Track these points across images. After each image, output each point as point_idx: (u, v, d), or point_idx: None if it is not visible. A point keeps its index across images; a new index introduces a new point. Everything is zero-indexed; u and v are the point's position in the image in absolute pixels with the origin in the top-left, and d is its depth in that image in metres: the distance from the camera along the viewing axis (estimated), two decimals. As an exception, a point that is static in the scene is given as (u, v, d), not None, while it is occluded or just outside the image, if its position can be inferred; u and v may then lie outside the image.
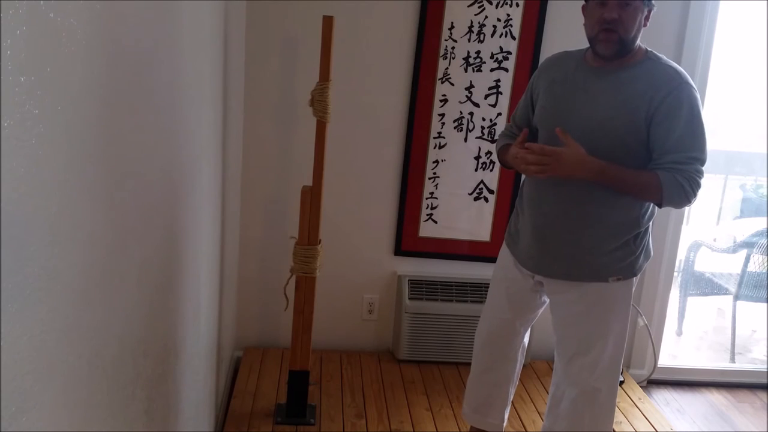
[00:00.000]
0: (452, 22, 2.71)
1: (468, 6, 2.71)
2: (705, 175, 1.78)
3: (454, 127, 2.82)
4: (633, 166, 1.79)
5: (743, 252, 3.76)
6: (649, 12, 1.78)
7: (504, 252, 2.13)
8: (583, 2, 1.84)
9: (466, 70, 2.77)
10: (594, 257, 1.88)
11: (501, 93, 2.80)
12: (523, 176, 2.07)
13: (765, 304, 3.78)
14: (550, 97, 1.91)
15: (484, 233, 2.95)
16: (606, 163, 1.76)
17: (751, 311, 4.01)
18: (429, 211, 2.92)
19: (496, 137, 2.84)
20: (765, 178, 4.72)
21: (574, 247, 1.88)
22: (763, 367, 3.36)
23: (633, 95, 1.77)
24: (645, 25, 1.79)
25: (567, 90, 1.87)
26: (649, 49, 1.85)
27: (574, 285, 1.92)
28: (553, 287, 1.98)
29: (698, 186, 1.76)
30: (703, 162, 1.77)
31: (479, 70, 2.77)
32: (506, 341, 2.16)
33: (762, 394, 3.21)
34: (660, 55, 1.85)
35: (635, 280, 1.95)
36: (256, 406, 2.53)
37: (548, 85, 1.93)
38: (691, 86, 1.77)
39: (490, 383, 2.21)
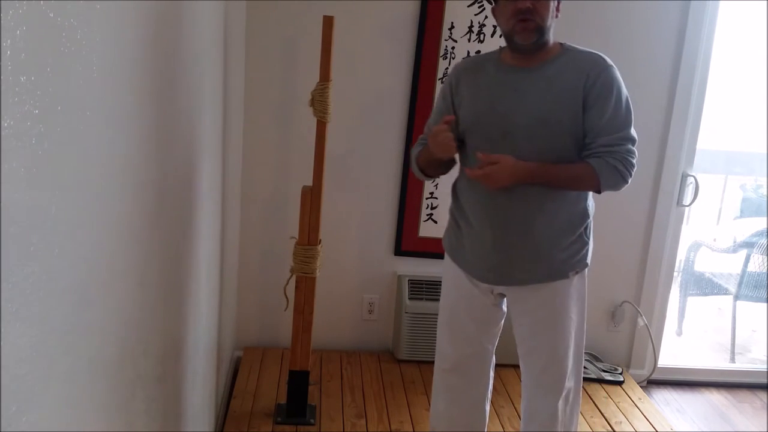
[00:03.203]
0: (452, 22, 2.72)
1: (468, 6, 2.71)
2: (637, 154, 1.80)
3: (454, 127, 2.82)
4: (576, 154, 1.81)
5: (743, 252, 3.77)
6: (559, 2, 1.79)
7: (452, 271, 2.01)
8: (492, 5, 1.83)
9: (466, 70, 2.76)
10: (554, 255, 1.86)
11: (501, 93, 2.80)
12: (456, 188, 1.99)
13: (765, 304, 3.78)
14: (480, 102, 1.83)
15: (484, 233, 2.95)
16: (537, 165, 1.77)
17: (751, 311, 4.01)
18: (429, 211, 2.92)
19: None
20: (765, 178, 4.73)
21: (536, 249, 1.85)
22: (763, 367, 3.36)
23: (566, 86, 1.77)
24: (556, 16, 1.79)
25: (496, 92, 1.81)
26: (562, 42, 1.85)
27: (537, 288, 1.88)
28: (516, 295, 1.92)
29: (632, 165, 1.78)
30: (634, 141, 1.79)
31: (479, 70, 2.77)
32: (478, 361, 2.05)
33: (762, 394, 3.21)
34: (574, 45, 1.85)
35: (587, 271, 1.95)
36: (256, 406, 2.53)
37: (474, 91, 1.86)
38: (615, 69, 1.80)
39: (467, 407, 2.08)
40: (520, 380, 2.08)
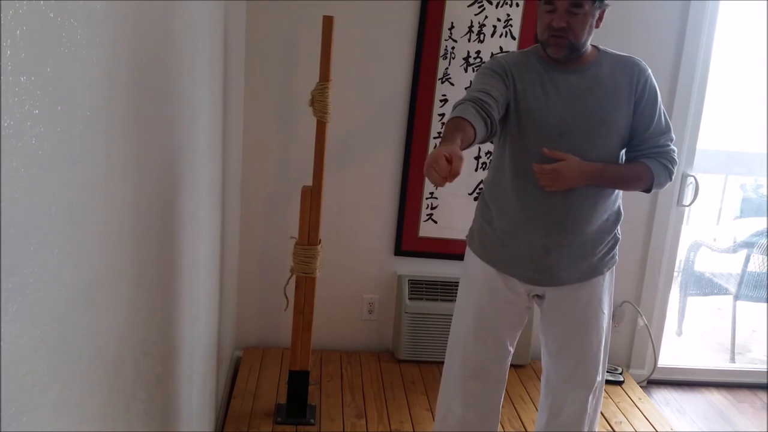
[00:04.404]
0: (452, 22, 2.71)
1: (468, 6, 2.71)
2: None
3: (454, 127, 2.82)
4: (619, 153, 1.86)
5: (743, 252, 3.77)
6: (602, 13, 1.76)
7: (484, 273, 1.93)
8: (538, 4, 1.78)
9: (466, 70, 2.77)
10: (597, 253, 1.89)
11: (501, 93, 2.79)
12: (492, 189, 1.92)
13: (765, 304, 3.78)
14: (534, 98, 1.79)
15: (484, 233, 2.95)
16: (603, 165, 1.79)
17: (751, 311, 4.01)
18: (429, 211, 2.92)
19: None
20: (765, 178, 4.72)
21: (585, 249, 1.87)
22: (763, 367, 3.36)
23: (619, 88, 1.79)
24: (597, 26, 1.77)
25: (549, 89, 1.78)
26: (595, 45, 1.85)
27: (576, 287, 1.90)
28: (555, 296, 1.92)
29: (676, 164, 1.87)
30: (674, 140, 1.87)
31: (479, 70, 2.77)
32: (501, 365, 2.01)
33: (762, 394, 3.21)
34: (608, 48, 1.86)
35: (615, 267, 2.00)
36: (256, 406, 2.53)
37: (528, 84, 1.79)
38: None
39: (486, 411, 2.04)
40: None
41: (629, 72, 1.80)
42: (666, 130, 1.84)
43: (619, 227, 1.95)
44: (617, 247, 1.96)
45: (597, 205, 1.84)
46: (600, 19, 1.76)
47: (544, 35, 1.75)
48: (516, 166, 1.83)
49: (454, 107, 1.68)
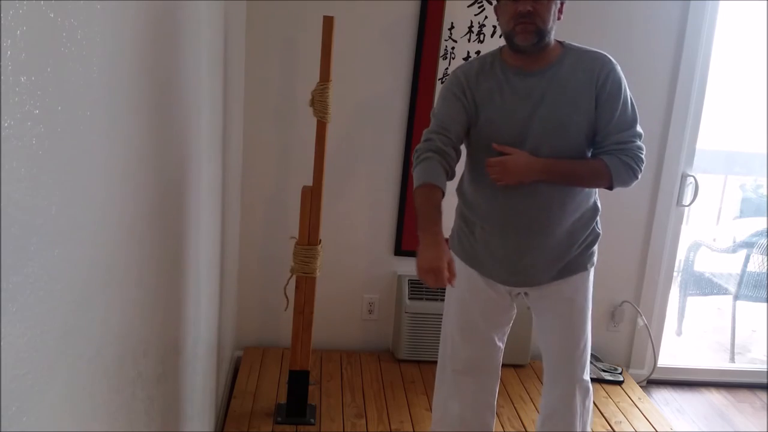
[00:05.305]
0: (452, 22, 2.72)
1: (468, 6, 2.71)
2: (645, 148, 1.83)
3: (454, 127, 2.82)
4: (587, 152, 1.83)
5: (743, 252, 3.77)
6: (562, 5, 1.77)
7: (465, 274, 1.94)
8: (495, 3, 1.81)
9: (466, 70, 2.76)
10: (573, 251, 1.88)
11: (501, 93, 2.79)
12: (466, 193, 1.95)
13: (765, 304, 3.78)
14: (494, 108, 1.80)
15: (484, 233, 2.95)
16: (552, 160, 1.77)
17: (751, 311, 4.01)
18: (429, 211, 2.92)
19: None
20: (765, 178, 4.72)
21: (559, 249, 1.86)
22: (762, 367, 3.36)
23: (579, 88, 1.76)
24: (559, 18, 1.77)
25: (509, 97, 1.79)
26: (561, 41, 1.83)
27: (558, 284, 1.90)
28: (537, 294, 1.93)
29: (642, 161, 1.80)
30: (641, 137, 1.81)
31: (479, 70, 2.77)
32: (491, 360, 2.04)
33: (762, 394, 3.21)
34: (573, 43, 1.84)
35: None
36: (256, 406, 2.53)
37: (487, 95, 1.80)
38: (618, 66, 1.81)
39: (480, 407, 2.06)
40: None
41: (590, 68, 1.77)
42: (630, 126, 1.78)
43: (597, 222, 1.92)
44: (597, 243, 1.93)
45: (565, 205, 1.82)
46: (560, 11, 1.77)
47: (509, 25, 1.74)
48: (481, 172, 1.85)
49: (421, 158, 1.75)
